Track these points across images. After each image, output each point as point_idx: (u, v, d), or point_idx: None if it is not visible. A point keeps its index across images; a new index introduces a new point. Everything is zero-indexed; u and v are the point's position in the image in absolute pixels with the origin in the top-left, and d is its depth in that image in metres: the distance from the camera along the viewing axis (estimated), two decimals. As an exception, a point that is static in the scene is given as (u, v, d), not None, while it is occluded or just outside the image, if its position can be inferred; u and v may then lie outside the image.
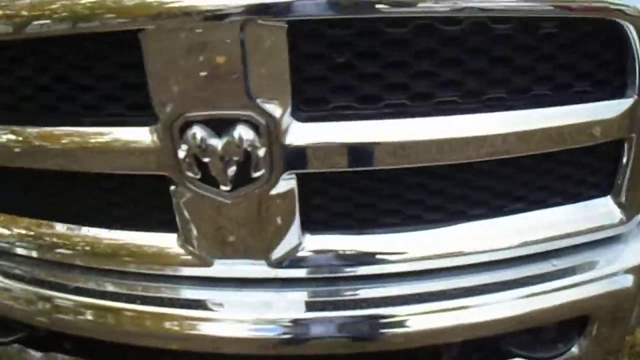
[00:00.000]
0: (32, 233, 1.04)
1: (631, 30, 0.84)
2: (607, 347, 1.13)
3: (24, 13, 0.77)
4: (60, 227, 1.02)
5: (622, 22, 0.83)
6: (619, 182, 1.00)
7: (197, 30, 0.75)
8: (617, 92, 0.90)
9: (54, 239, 1.03)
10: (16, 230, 1.06)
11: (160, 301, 1.00)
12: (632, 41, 0.84)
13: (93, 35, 0.79)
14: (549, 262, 1.04)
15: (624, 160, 0.98)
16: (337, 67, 0.81)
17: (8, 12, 0.78)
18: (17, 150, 0.90)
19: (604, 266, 1.05)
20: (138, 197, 0.95)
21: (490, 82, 0.85)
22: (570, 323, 1.07)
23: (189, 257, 0.96)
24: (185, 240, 0.95)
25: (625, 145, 0.96)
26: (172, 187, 0.89)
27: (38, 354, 1.17)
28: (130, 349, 1.04)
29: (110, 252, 1.00)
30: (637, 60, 0.86)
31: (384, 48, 0.80)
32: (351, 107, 0.83)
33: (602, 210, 1.03)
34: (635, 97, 0.90)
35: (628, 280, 1.05)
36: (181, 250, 0.96)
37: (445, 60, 0.82)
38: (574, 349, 1.11)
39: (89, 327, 1.02)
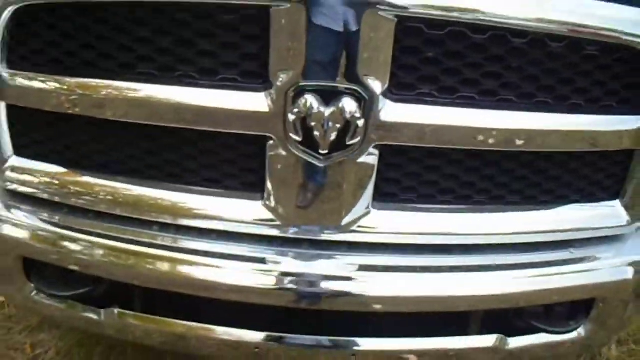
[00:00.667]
0: (116, 192, 1.19)
1: None
2: (608, 328, 1.36)
3: None
4: (147, 187, 1.17)
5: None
6: (627, 188, 1.25)
7: (323, 12, 0.95)
8: (635, 110, 1.16)
9: (140, 199, 1.18)
10: (100, 188, 1.19)
11: (235, 258, 1.16)
12: None
13: (224, 7, 0.98)
14: (568, 250, 1.28)
15: (632, 169, 1.24)
16: (426, 61, 1.03)
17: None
18: (129, 102, 1.06)
19: (609, 259, 1.30)
20: (232, 158, 1.11)
21: (540, 88, 1.10)
22: (579, 304, 1.30)
23: (271, 218, 1.13)
24: (269, 202, 1.12)
25: (634, 156, 1.22)
26: (271, 149, 1.06)
27: (94, 313, 1.29)
28: (190, 302, 1.18)
29: (193, 212, 1.16)
30: None
31: (464, 50, 1.03)
32: (432, 95, 1.06)
33: (611, 212, 1.28)
34: None
35: (628, 273, 1.30)
36: (265, 211, 1.13)
37: (509, 67, 1.06)
38: (582, 329, 1.33)
39: (166, 280, 1.17)
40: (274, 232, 1.15)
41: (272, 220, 1.13)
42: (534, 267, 1.24)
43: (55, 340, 2.03)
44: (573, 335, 1.34)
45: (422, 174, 1.14)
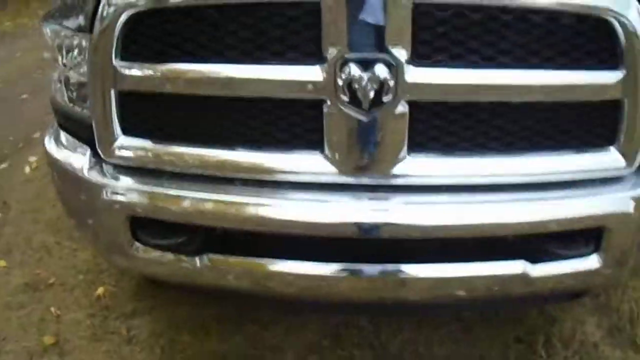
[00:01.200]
0: (205, 157, 1.60)
1: (616, 26, 1.45)
2: (619, 260, 1.65)
3: None
4: (231, 151, 1.59)
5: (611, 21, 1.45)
6: (620, 136, 1.58)
7: (359, 5, 1.37)
8: (613, 67, 1.50)
9: (224, 161, 1.59)
10: (181, 156, 1.61)
11: (304, 201, 1.55)
12: (618, 34, 1.45)
13: (289, 4, 1.41)
14: (576, 188, 1.61)
15: (623, 118, 1.57)
16: (438, 35, 1.43)
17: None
18: (219, 81, 1.49)
19: (612, 194, 1.61)
20: (298, 122, 1.51)
21: (531, 52, 1.46)
22: (590, 232, 1.60)
23: (331, 168, 1.52)
24: (328, 154, 1.51)
25: (622, 107, 1.55)
26: (326, 110, 1.46)
27: (189, 261, 1.68)
28: (268, 236, 1.57)
29: (269, 169, 1.56)
30: (621, 49, 1.46)
31: (466, 25, 1.43)
32: (443, 62, 1.44)
33: (609, 157, 1.60)
34: (624, 71, 1.50)
35: (630, 206, 1.60)
36: (324, 163, 1.52)
37: (504, 39, 1.44)
38: (596, 258, 1.63)
39: (249, 221, 1.57)
40: (333, 179, 1.54)
41: (329, 170, 1.52)
42: (548, 201, 1.57)
43: (148, 324, 2.43)
44: (589, 263, 1.63)
45: (444, 125, 1.51)
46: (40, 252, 2.93)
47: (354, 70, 1.40)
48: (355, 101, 1.43)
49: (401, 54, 1.40)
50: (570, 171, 1.59)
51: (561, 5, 1.43)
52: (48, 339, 2.37)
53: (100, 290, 2.61)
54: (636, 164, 1.61)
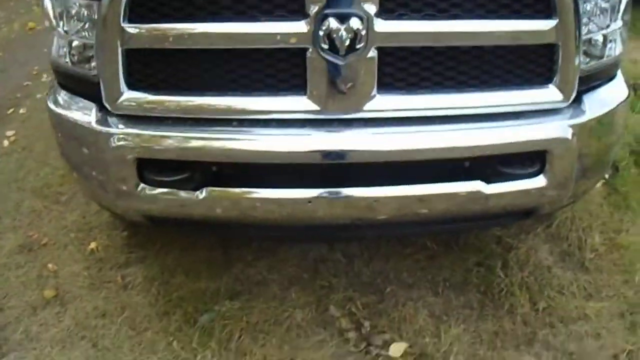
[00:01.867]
0: (205, 103, 1.92)
1: None
2: (562, 182, 2.04)
3: None
4: (229, 97, 1.91)
5: None
6: (556, 75, 1.96)
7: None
8: (547, 16, 1.88)
9: (223, 105, 1.91)
10: (184, 103, 1.92)
11: (292, 134, 1.90)
12: None
13: None
14: (522, 118, 2.00)
15: (559, 60, 1.95)
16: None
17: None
18: (218, 36, 1.81)
19: (552, 122, 2.00)
20: (286, 68, 1.83)
21: (478, 5, 1.83)
22: (535, 155, 1.99)
23: (314, 106, 1.86)
24: (311, 95, 1.86)
25: (558, 50, 1.93)
26: (309, 55, 1.78)
27: (190, 195, 2.00)
28: (259, 169, 1.92)
29: (261, 109, 1.90)
30: (553, 2, 1.82)
31: None
32: (405, 15, 1.79)
33: (549, 92, 2.00)
34: (557, 20, 1.88)
35: (568, 132, 2.00)
36: (308, 102, 1.86)
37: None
38: (542, 178, 2.03)
39: (241, 155, 1.90)
40: (315, 116, 1.88)
41: (312, 107, 1.87)
42: (498, 129, 1.95)
43: (141, 270, 2.74)
44: (536, 182, 2.02)
45: (407, 68, 1.87)
46: (30, 216, 3.18)
47: (333, 23, 1.74)
48: (333, 49, 1.77)
49: (371, 9, 1.74)
50: (516, 104, 1.97)
51: None
52: (48, 293, 2.65)
53: (92, 245, 2.89)
54: (571, 98, 2.01)
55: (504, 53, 1.92)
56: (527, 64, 1.95)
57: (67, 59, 2.06)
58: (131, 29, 1.84)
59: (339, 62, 1.79)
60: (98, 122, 2.02)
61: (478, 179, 1.98)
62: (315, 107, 1.86)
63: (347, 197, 1.93)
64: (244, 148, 1.90)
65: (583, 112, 2.04)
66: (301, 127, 1.90)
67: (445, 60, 1.89)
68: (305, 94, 1.85)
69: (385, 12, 1.76)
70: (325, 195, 1.93)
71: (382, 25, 1.77)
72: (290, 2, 1.76)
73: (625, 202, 3.08)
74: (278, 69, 1.86)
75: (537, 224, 2.88)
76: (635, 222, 2.94)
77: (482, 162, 1.97)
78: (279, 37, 1.79)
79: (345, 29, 1.74)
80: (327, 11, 1.73)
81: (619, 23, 2.11)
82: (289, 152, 1.89)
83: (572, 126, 2.00)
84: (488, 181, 1.99)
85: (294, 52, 1.81)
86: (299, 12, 1.76)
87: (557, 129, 2.00)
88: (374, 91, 1.85)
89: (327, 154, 1.88)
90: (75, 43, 2.03)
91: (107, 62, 1.92)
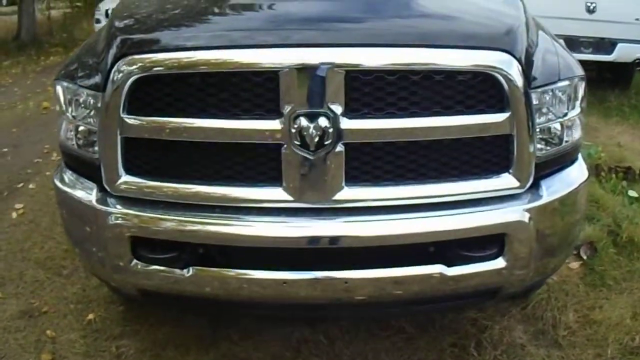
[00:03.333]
0: (190, 190, 2.16)
1: (502, 81, 2.09)
2: (518, 258, 2.20)
3: None
4: (212, 187, 2.14)
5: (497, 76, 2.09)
6: (512, 164, 2.18)
7: (305, 77, 1.98)
8: (500, 110, 2.13)
9: (207, 194, 2.14)
10: (173, 189, 2.16)
11: (269, 222, 2.11)
12: (504, 86, 2.09)
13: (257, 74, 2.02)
14: (481, 205, 2.19)
15: (513, 149, 2.17)
16: (365, 94, 2.04)
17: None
18: (203, 131, 2.07)
19: (512, 206, 2.20)
20: (264, 162, 2.07)
21: (435, 102, 2.08)
22: (494, 238, 2.17)
23: (288, 196, 2.08)
24: (286, 186, 2.08)
25: (512, 141, 2.17)
26: (284, 151, 2.02)
27: (183, 271, 2.19)
28: (240, 251, 2.12)
29: (241, 199, 2.12)
30: (506, 95, 2.08)
31: (384, 86, 2.05)
32: (369, 113, 2.04)
33: (506, 180, 2.21)
34: (510, 113, 2.13)
35: (525, 216, 2.19)
36: (283, 193, 2.08)
37: (415, 94, 2.06)
38: (502, 260, 2.20)
39: (225, 239, 2.11)
40: (289, 205, 2.10)
41: (287, 198, 2.09)
42: (457, 215, 2.15)
43: (134, 343, 2.89)
44: (497, 264, 2.19)
45: (372, 161, 2.10)
46: (33, 285, 3.39)
47: (303, 121, 1.99)
48: (304, 145, 2.01)
49: (337, 109, 1.99)
50: (474, 192, 2.17)
51: (461, 65, 2.05)
52: (45, 357, 2.80)
53: (91, 316, 3.07)
54: (528, 184, 2.21)
55: (461, 145, 2.14)
56: (484, 155, 2.17)
57: (74, 142, 2.34)
58: (129, 119, 2.10)
59: (310, 157, 2.02)
60: (98, 201, 2.25)
61: (440, 263, 2.15)
62: (290, 198, 2.07)
63: (317, 279, 2.12)
64: (224, 232, 2.12)
65: (540, 196, 2.24)
66: (277, 215, 2.11)
67: (406, 154, 2.11)
68: (281, 185, 2.07)
69: (350, 111, 2.01)
70: (296, 277, 2.12)
71: (348, 123, 2.01)
72: (267, 102, 2.02)
73: (601, 281, 3.23)
74: (257, 162, 2.11)
75: (512, 306, 3.02)
76: (610, 298, 3.08)
77: (443, 247, 2.14)
78: (257, 133, 2.04)
79: (314, 127, 1.97)
80: (299, 111, 1.98)
81: (577, 110, 2.35)
82: (264, 238, 2.10)
83: (528, 210, 2.20)
84: (449, 264, 2.16)
85: (271, 147, 2.06)
86: (274, 112, 2.00)
87: (514, 213, 2.19)
88: (342, 183, 2.07)
89: (298, 240, 2.08)
90: (81, 128, 2.31)
91: (107, 148, 2.18)
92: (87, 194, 2.30)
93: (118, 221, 2.18)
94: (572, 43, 6.97)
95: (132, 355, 2.82)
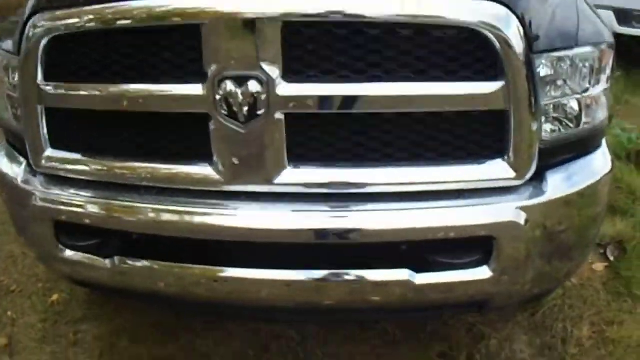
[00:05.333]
0: (115, 167, 1.72)
1: (495, 41, 1.53)
2: (508, 269, 1.68)
3: None
4: (134, 163, 1.71)
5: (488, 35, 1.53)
6: (508, 149, 1.61)
7: (233, 29, 1.48)
8: (491, 78, 1.57)
9: (127, 170, 1.72)
10: (95, 166, 1.75)
11: (199, 206, 1.65)
12: (496, 46, 1.52)
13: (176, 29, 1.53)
14: (465, 197, 1.65)
15: (509, 130, 1.60)
16: (307, 53, 1.52)
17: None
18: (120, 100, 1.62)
19: (503, 202, 1.65)
20: (190, 135, 1.63)
21: (405, 65, 1.54)
22: (479, 241, 1.64)
23: (218, 177, 1.62)
24: (215, 165, 1.60)
25: (508, 117, 1.59)
26: (211, 122, 1.55)
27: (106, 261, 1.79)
28: (163, 241, 1.68)
29: (169, 178, 1.68)
30: (500, 60, 1.52)
31: (338, 42, 1.52)
32: (312, 77, 1.52)
33: (499, 168, 1.66)
34: (503, 83, 1.57)
35: (520, 216, 1.64)
36: (213, 174, 1.62)
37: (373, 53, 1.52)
38: (488, 269, 1.66)
39: (151, 226, 1.69)
40: (219, 188, 1.64)
41: (217, 179, 1.63)
42: (431, 209, 1.62)
43: (93, 329, 2.55)
44: (479, 274, 1.67)
45: (322, 137, 1.60)
46: (7, 261, 3.10)
47: (230, 86, 1.51)
48: (232, 114, 1.53)
49: (272, 70, 1.50)
50: (454, 181, 1.64)
51: (436, 17, 1.50)
52: (1, 340, 2.53)
53: (55, 296, 2.75)
54: (527, 175, 1.65)
55: (439, 121, 1.61)
56: (469, 135, 1.63)
57: (10, 113, 1.95)
58: (46, 87, 1.71)
59: (240, 129, 1.55)
60: (24, 179, 1.89)
61: (406, 268, 1.65)
62: (220, 179, 1.62)
63: (249, 279, 1.68)
64: (146, 218, 1.68)
65: (543, 191, 1.69)
66: (206, 198, 1.66)
67: (367, 129, 1.60)
68: (210, 164, 1.61)
69: (290, 73, 1.51)
70: (230, 275, 1.69)
71: (287, 89, 1.52)
72: (190, 62, 1.54)
73: (627, 289, 2.62)
74: (184, 136, 1.66)
75: (519, 311, 2.46)
76: (634, 312, 2.49)
77: (412, 248, 1.63)
78: (178, 100, 1.59)
79: (242, 93, 1.50)
80: (225, 73, 1.50)
81: (602, 86, 1.75)
82: (191, 226, 1.66)
83: (525, 208, 1.65)
84: (417, 270, 1.65)
85: (198, 117, 1.58)
86: (197, 74, 1.53)
87: (505, 211, 1.65)
88: (285, 162, 1.58)
89: (226, 230, 1.61)
90: (14, 97, 1.90)
91: (27, 118, 1.79)
92: (15, 172, 1.94)
93: (40, 203, 1.81)
94: (625, 16, 6.08)
95: (88, 343, 2.48)
